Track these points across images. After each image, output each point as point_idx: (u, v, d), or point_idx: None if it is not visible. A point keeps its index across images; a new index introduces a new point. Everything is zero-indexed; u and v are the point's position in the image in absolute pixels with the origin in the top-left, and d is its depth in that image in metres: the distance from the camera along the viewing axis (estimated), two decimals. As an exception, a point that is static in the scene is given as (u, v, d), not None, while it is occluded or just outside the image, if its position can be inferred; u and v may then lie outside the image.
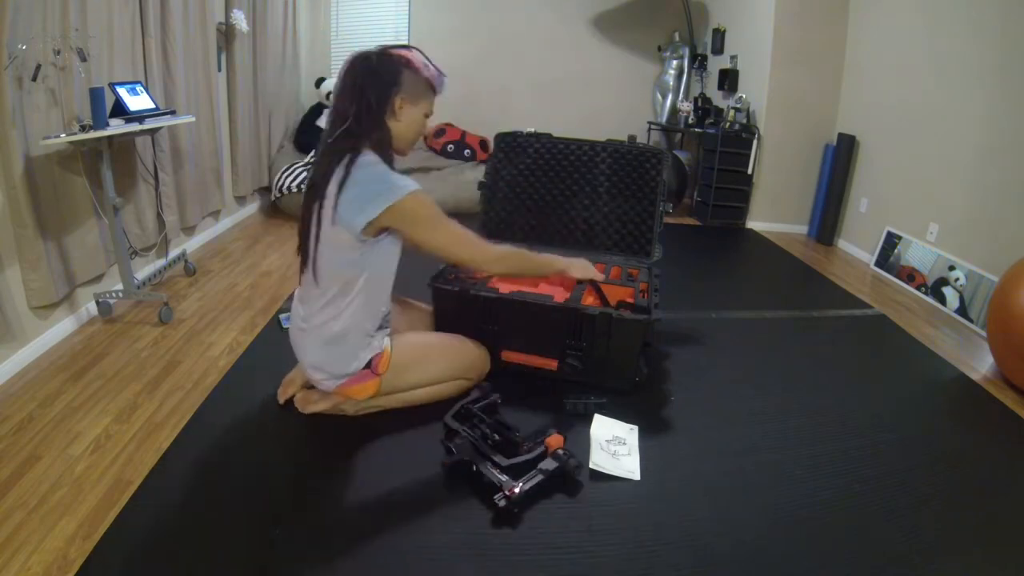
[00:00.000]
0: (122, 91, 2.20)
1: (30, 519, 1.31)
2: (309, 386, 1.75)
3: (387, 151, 1.51)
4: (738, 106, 4.08)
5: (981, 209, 2.76)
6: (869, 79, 3.64)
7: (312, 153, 4.08)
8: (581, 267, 1.85)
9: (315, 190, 1.48)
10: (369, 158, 1.46)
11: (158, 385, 1.88)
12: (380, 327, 1.64)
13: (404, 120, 1.52)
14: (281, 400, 1.77)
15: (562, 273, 1.82)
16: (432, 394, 1.75)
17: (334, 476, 1.50)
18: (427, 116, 1.59)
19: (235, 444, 1.61)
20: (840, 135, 3.78)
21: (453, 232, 1.54)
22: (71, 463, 1.50)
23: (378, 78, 1.46)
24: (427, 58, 1.54)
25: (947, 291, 2.87)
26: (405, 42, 1.56)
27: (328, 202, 1.44)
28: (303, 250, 1.55)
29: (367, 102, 1.45)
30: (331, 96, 4.23)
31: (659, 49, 5.01)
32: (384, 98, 1.47)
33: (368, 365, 1.61)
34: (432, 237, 1.51)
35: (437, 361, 1.75)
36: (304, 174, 3.79)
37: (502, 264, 1.65)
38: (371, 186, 1.43)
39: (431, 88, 1.57)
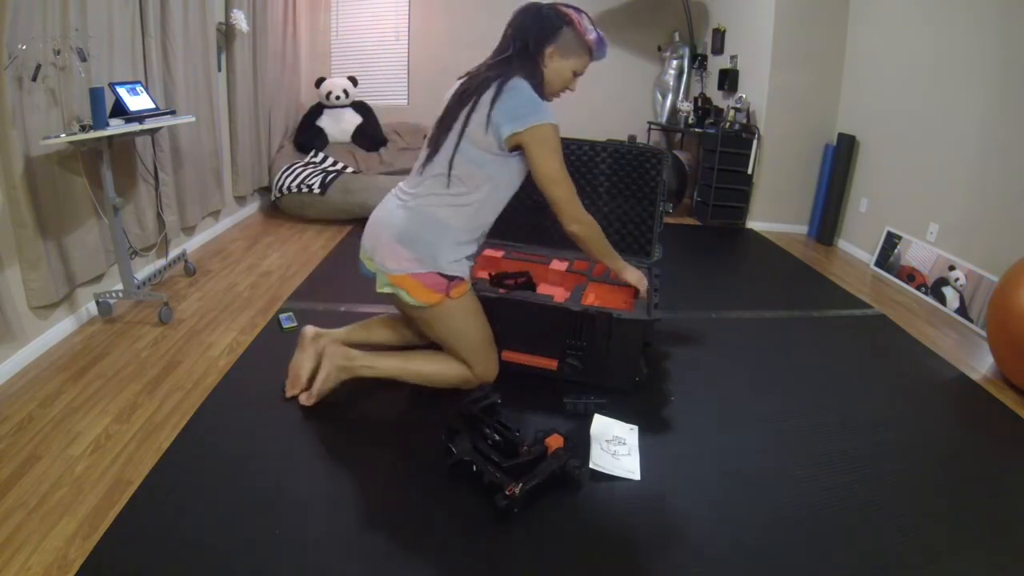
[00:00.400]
0: (122, 91, 2.20)
1: (30, 519, 1.31)
2: (310, 384, 1.77)
3: (537, 84, 1.64)
4: (738, 106, 4.08)
5: (981, 209, 2.76)
6: (869, 79, 3.63)
7: (312, 153, 4.08)
8: (637, 276, 1.95)
9: (466, 96, 1.61)
10: (523, 83, 1.60)
11: (158, 385, 1.88)
12: (474, 245, 1.71)
13: (551, 68, 1.66)
14: (288, 395, 1.78)
15: (619, 271, 1.91)
16: (433, 373, 1.76)
17: (334, 476, 1.50)
18: (576, 74, 1.71)
19: (235, 444, 1.61)
20: (840, 135, 3.78)
21: (565, 173, 1.66)
22: (71, 463, 1.50)
23: (540, 25, 1.62)
24: (594, 25, 1.67)
25: (947, 291, 2.87)
26: (575, 5, 1.70)
27: (482, 109, 1.57)
28: (435, 143, 1.65)
29: (524, 41, 1.62)
30: (346, 93, 4.25)
31: (659, 49, 5.01)
32: (539, 42, 1.62)
33: (449, 277, 1.64)
34: (550, 166, 1.61)
35: (477, 332, 1.76)
36: (304, 173, 3.79)
37: (583, 227, 1.71)
38: (525, 105, 1.57)
39: (588, 50, 1.69)
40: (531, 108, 1.57)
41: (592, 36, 1.66)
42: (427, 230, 1.63)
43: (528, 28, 1.62)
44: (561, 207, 1.67)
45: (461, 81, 1.68)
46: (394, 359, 1.79)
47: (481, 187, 1.63)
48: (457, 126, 1.61)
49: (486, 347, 1.79)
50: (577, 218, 1.69)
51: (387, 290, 1.66)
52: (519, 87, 1.58)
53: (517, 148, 1.61)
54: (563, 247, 2.39)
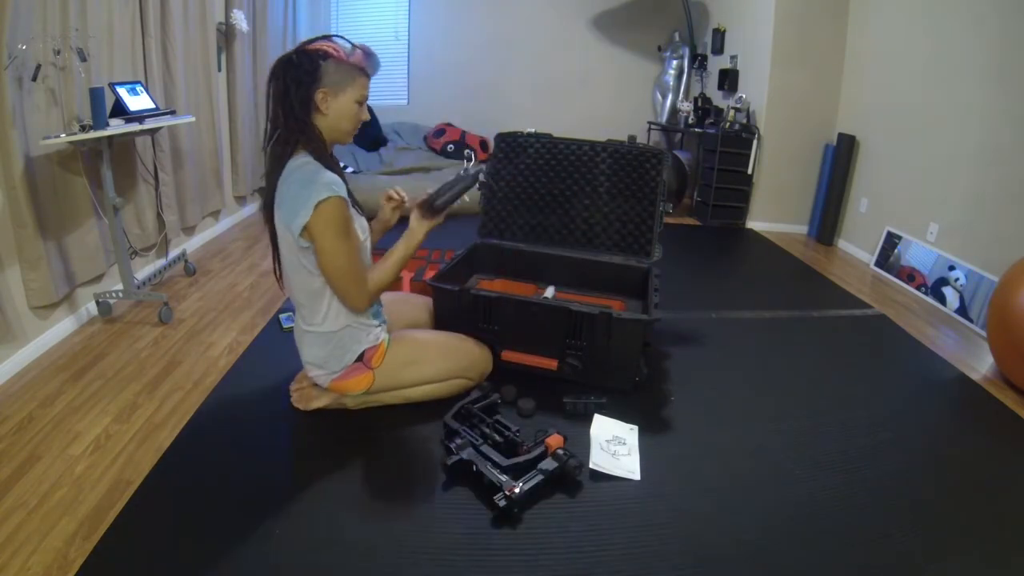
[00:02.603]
0: (122, 91, 2.20)
1: (30, 519, 1.31)
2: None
3: (322, 149, 1.49)
4: (738, 106, 4.08)
5: (981, 209, 2.76)
6: (869, 79, 3.63)
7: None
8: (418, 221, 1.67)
9: (267, 205, 1.53)
10: (297, 161, 1.46)
11: (158, 385, 1.88)
12: (373, 320, 1.65)
13: (332, 113, 1.48)
14: (292, 388, 1.79)
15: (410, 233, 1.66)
16: (432, 391, 1.76)
17: (334, 476, 1.50)
18: (360, 103, 1.51)
19: (235, 444, 1.61)
20: (840, 135, 3.78)
21: (351, 256, 1.48)
22: (71, 463, 1.50)
23: (296, 77, 1.43)
24: (350, 42, 1.49)
25: (947, 291, 2.86)
26: (326, 33, 1.55)
27: (277, 218, 1.49)
28: (276, 262, 1.61)
29: (290, 104, 1.44)
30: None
31: (659, 49, 5.01)
32: (306, 97, 1.44)
33: (360, 358, 1.62)
34: (331, 247, 1.44)
35: (435, 360, 1.75)
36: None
37: (375, 298, 1.60)
38: (299, 191, 1.41)
39: (360, 71, 1.49)
40: (307, 188, 1.40)
41: (356, 56, 1.47)
42: (327, 346, 1.60)
43: (287, 90, 1.43)
44: (347, 303, 1.54)
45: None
46: (395, 392, 1.75)
47: (321, 286, 1.53)
48: (276, 242, 1.54)
49: (459, 356, 1.78)
50: (365, 303, 1.56)
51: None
52: (290, 172, 1.45)
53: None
54: (563, 247, 2.40)
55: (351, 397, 1.70)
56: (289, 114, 1.44)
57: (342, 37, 1.49)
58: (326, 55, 1.44)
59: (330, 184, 1.41)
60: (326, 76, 1.44)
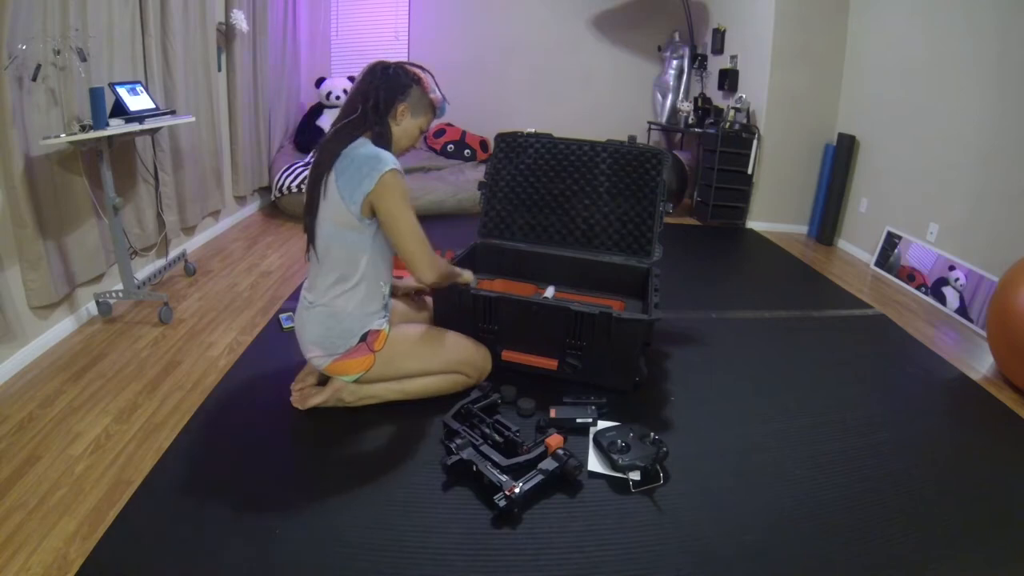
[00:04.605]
0: (122, 91, 2.20)
1: (30, 519, 1.31)
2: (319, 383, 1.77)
3: (386, 144, 1.63)
4: (738, 106, 4.08)
5: (981, 209, 2.76)
6: (869, 79, 3.63)
7: (312, 153, 4.08)
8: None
9: (318, 172, 1.59)
10: (361, 141, 1.59)
11: (158, 385, 1.88)
12: (379, 305, 1.69)
13: (402, 126, 1.67)
14: (294, 387, 1.79)
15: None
16: (429, 385, 1.76)
17: (334, 476, 1.50)
18: (422, 131, 1.74)
19: (235, 444, 1.61)
20: (840, 135, 3.78)
21: (414, 223, 1.60)
22: (71, 463, 1.50)
23: (390, 84, 1.62)
24: (436, 84, 1.72)
25: (947, 291, 2.87)
26: (421, 64, 1.73)
27: (331, 185, 1.55)
28: (309, 232, 1.65)
29: (376, 100, 1.60)
30: (346, 92, 4.26)
31: (659, 49, 5.01)
32: (391, 100, 1.62)
33: (363, 339, 1.65)
34: (397, 215, 1.56)
35: (435, 350, 1.76)
36: (304, 173, 3.79)
37: (435, 272, 1.66)
38: (363, 165, 1.53)
39: (432, 109, 1.73)
40: (371, 163, 1.53)
41: (437, 95, 1.71)
42: (332, 326, 1.63)
43: (378, 87, 1.61)
44: (414, 261, 1.61)
45: (318, 150, 1.64)
46: (393, 384, 1.76)
47: (359, 265, 1.61)
48: (318, 210, 1.60)
49: (457, 350, 1.80)
50: (432, 265, 1.64)
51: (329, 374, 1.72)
52: (356, 148, 1.56)
53: (373, 214, 1.58)
54: (563, 247, 2.40)
55: (349, 390, 1.71)
56: (373, 107, 1.60)
57: (432, 76, 1.72)
58: (419, 80, 1.67)
59: (393, 160, 1.56)
60: (411, 96, 1.65)
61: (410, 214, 1.58)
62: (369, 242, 1.60)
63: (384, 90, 1.61)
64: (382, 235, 1.62)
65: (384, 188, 1.52)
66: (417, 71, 1.68)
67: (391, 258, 1.71)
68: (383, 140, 1.62)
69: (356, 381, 1.70)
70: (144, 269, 2.68)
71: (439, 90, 1.73)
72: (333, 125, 1.65)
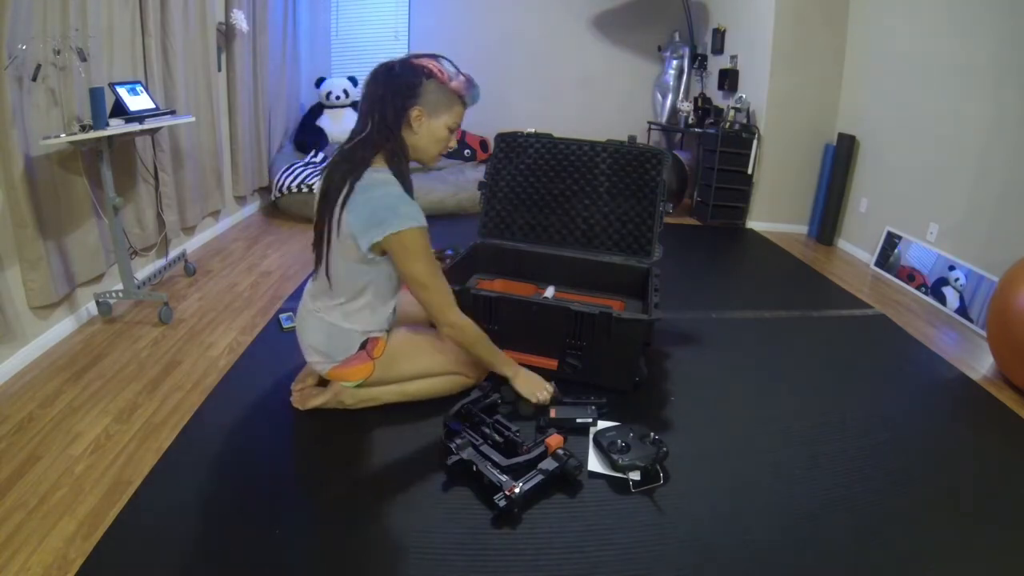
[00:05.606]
0: (122, 91, 2.20)
1: (30, 519, 1.31)
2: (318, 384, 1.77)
3: (402, 164, 1.48)
4: (738, 106, 4.08)
5: (981, 209, 2.75)
6: (869, 79, 3.63)
7: (312, 153, 4.08)
8: (528, 386, 1.70)
9: (328, 199, 1.48)
10: (379, 176, 1.44)
11: (158, 385, 1.88)
12: (385, 322, 1.68)
13: (422, 133, 1.48)
14: (294, 388, 1.79)
15: (511, 379, 1.72)
16: (429, 388, 1.76)
17: (334, 476, 1.50)
18: (452, 130, 1.51)
19: (235, 444, 1.61)
20: (840, 135, 3.78)
21: (435, 275, 1.52)
22: (71, 463, 1.50)
23: (396, 88, 1.43)
24: (456, 67, 1.48)
25: (947, 291, 2.86)
26: (434, 52, 1.50)
27: (343, 223, 1.45)
28: (317, 252, 1.57)
29: (383, 113, 1.43)
30: (346, 93, 4.25)
31: (659, 49, 5.01)
32: (400, 109, 1.43)
33: (363, 346, 1.63)
34: (416, 270, 1.48)
35: (434, 352, 1.75)
36: (304, 173, 3.79)
37: (455, 331, 1.59)
38: (378, 211, 1.41)
39: (459, 99, 1.49)
40: (388, 212, 1.40)
41: (458, 81, 1.46)
42: (332, 336, 1.61)
43: (383, 95, 1.42)
44: (433, 312, 1.55)
45: (327, 171, 1.52)
46: (393, 387, 1.76)
47: (365, 292, 1.56)
48: (325, 234, 1.50)
49: (459, 352, 1.76)
50: (451, 322, 1.56)
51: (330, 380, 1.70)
52: (372, 185, 1.42)
53: (384, 252, 1.49)
54: (563, 247, 2.40)
55: (349, 393, 1.71)
56: (380, 121, 1.42)
57: (448, 60, 1.47)
58: (430, 74, 1.43)
59: (409, 216, 1.41)
60: (425, 95, 1.43)
61: (430, 268, 1.48)
62: (374, 276, 1.55)
63: (390, 97, 1.43)
64: (390, 274, 1.57)
65: (403, 249, 1.42)
66: (427, 62, 1.45)
67: (397, 288, 1.65)
68: (399, 159, 1.46)
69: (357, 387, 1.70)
70: (144, 269, 2.68)
71: (462, 74, 1.48)
72: (342, 146, 1.51)
